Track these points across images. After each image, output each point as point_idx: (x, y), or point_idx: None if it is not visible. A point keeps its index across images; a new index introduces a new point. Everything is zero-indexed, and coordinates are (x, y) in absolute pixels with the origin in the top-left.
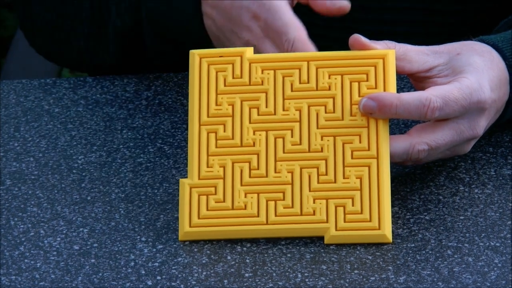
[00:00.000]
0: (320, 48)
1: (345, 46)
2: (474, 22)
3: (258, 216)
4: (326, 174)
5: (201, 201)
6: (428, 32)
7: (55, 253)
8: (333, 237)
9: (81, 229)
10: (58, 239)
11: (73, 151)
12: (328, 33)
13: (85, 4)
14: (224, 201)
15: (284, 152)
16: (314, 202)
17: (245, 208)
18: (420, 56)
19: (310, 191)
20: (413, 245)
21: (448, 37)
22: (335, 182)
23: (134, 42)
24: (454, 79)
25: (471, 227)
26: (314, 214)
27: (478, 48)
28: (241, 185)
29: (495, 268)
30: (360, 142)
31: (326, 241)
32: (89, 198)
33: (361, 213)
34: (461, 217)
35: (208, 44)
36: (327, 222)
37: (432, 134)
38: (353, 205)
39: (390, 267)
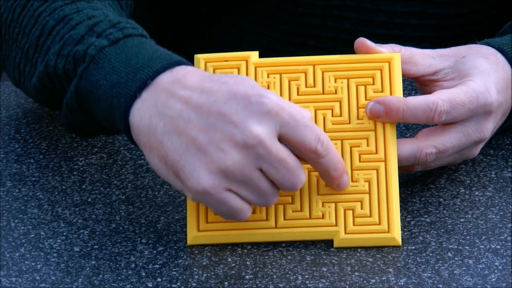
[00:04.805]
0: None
1: (343, 51)
2: (469, 26)
3: (267, 220)
4: None
5: None
6: (424, 36)
7: (55, 254)
8: (343, 240)
9: (81, 231)
10: (59, 240)
11: (73, 153)
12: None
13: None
14: None
15: None
16: (323, 206)
17: (254, 212)
18: (426, 59)
19: (318, 194)
20: (413, 247)
21: (445, 41)
22: None
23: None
24: (460, 82)
25: (472, 229)
26: (323, 217)
27: (483, 51)
28: None
29: (495, 271)
30: (367, 145)
31: (335, 244)
32: (89, 200)
33: (370, 216)
34: (462, 220)
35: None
36: (336, 225)
37: (440, 137)
38: (362, 208)
39: (390, 269)
